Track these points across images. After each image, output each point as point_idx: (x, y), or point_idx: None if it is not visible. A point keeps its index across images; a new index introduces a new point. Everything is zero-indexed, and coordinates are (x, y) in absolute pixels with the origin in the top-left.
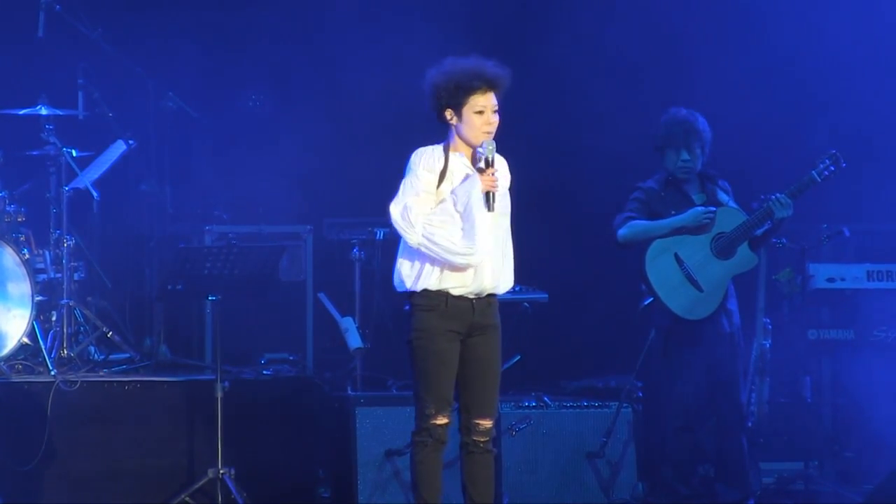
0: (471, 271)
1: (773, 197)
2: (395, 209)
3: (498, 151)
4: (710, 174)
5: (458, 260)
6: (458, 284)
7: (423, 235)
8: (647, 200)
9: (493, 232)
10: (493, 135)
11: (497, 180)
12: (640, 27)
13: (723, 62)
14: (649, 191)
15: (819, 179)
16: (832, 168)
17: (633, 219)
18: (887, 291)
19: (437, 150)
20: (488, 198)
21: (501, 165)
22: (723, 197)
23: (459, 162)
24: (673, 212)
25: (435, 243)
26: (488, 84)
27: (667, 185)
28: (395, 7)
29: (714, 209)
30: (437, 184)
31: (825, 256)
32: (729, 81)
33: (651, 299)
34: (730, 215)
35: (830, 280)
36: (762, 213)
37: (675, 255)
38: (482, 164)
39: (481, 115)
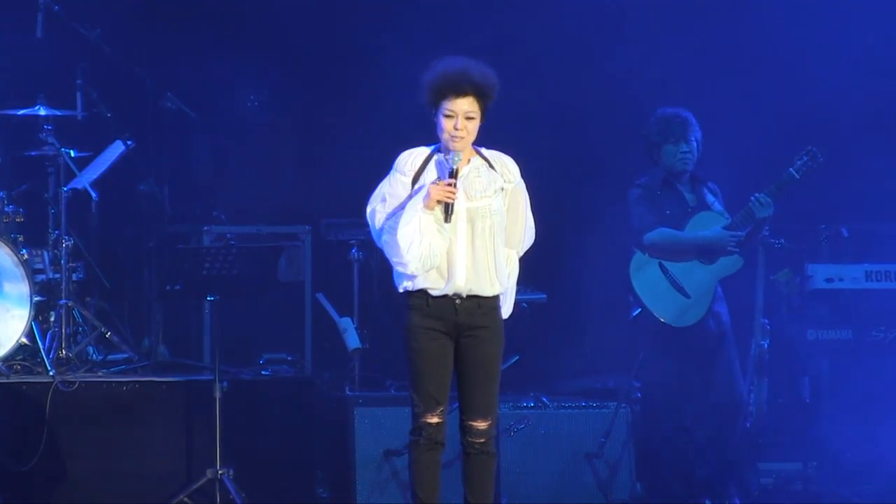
0: (442, 272)
1: (753, 197)
2: (368, 208)
3: (502, 147)
4: (699, 176)
5: (398, 269)
6: (432, 285)
7: (382, 238)
8: (648, 198)
9: (468, 234)
10: (464, 140)
11: (454, 193)
12: (634, 28)
13: (715, 60)
14: (647, 188)
15: (798, 176)
16: (809, 164)
17: (660, 224)
18: (886, 292)
19: (421, 151)
20: (447, 208)
21: (501, 164)
22: (709, 198)
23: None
24: (668, 212)
25: (386, 244)
26: (454, 89)
27: (663, 184)
28: (396, 6)
29: (741, 235)
30: (411, 186)
31: (824, 257)
32: (720, 79)
33: (640, 309)
34: (709, 220)
35: (829, 280)
36: (743, 216)
37: (660, 263)
38: (444, 175)
39: (450, 119)
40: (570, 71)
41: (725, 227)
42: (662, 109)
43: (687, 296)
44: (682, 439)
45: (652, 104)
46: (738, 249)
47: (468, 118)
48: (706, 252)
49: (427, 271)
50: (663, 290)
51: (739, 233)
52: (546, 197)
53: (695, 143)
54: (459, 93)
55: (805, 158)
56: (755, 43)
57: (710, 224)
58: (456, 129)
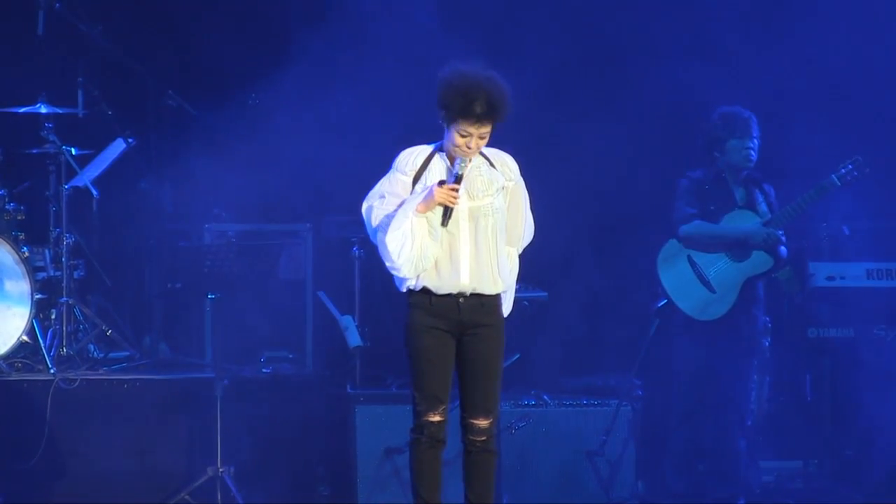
0: (446, 270)
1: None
2: (364, 205)
3: (498, 147)
4: (755, 176)
5: (391, 272)
6: (435, 284)
7: (377, 237)
8: (694, 191)
9: (471, 233)
10: (469, 155)
11: (456, 199)
12: (651, 25)
13: (718, 60)
14: (696, 181)
15: (839, 183)
16: (854, 173)
17: (698, 217)
18: (887, 290)
19: (422, 150)
20: (445, 212)
21: (501, 162)
22: (758, 198)
23: (442, 164)
24: (712, 207)
25: (380, 243)
26: (477, 119)
27: (714, 179)
28: (397, 5)
29: (780, 233)
30: (411, 186)
31: (825, 255)
32: (722, 80)
33: (665, 301)
34: (746, 217)
35: (830, 278)
36: (781, 216)
37: (688, 256)
38: (451, 179)
39: (463, 138)
40: (571, 68)
41: (764, 224)
42: (725, 107)
43: (712, 290)
44: (684, 437)
45: (667, 103)
46: (766, 246)
47: (482, 138)
48: (739, 245)
49: (418, 273)
50: (689, 283)
51: (777, 231)
52: (548, 194)
53: (758, 143)
54: (480, 120)
55: (850, 167)
56: (763, 39)
57: (744, 221)
58: (468, 147)
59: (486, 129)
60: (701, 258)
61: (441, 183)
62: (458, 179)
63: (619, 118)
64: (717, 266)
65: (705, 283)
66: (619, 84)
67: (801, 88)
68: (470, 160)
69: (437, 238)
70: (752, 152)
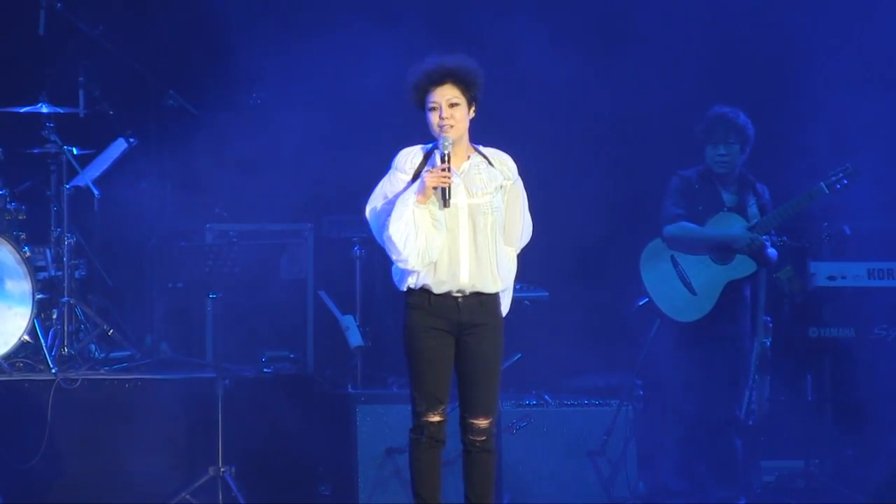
0: (445, 268)
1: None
2: (368, 207)
3: (498, 148)
4: (748, 178)
5: (399, 265)
6: (435, 283)
7: (383, 234)
8: (683, 190)
9: (471, 230)
10: (453, 128)
11: (448, 177)
12: (642, 26)
13: (716, 63)
14: (686, 180)
15: (827, 192)
16: (844, 181)
17: (684, 218)
18: (888, 289)
19: (419, 150)
20: (443, 194)
21: (500, 161)
22: (749, 200)
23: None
24: (700, 208)
25: (387, 240)
26: (431, 79)
27: (704, 179)
28: (398, 6)
29: (765, 239)
30: (412, 184)
31: (826, 254)
32: (724, 80)
33: (647, 299)
34: (731, 221)
35: (831, 278)
36: (767, 221)
37: (672, 256)
38: (437, 160)
39: (434, 110)
40: (573, 68)
41: (749, 229)
42: (719, 107)
43: (693, 292)
44: (683, 437)
45: (668, 103)
46: (749, 251)
47: (452, 105)
48: (723, 249)
49: (426, 266)
50: (670, 283)
51: (762, 237)
52: (549, 193)
53: (737, 147)
54: (437, 81)
55: (840, 175)
56: (761, 39)
57: (730, 224)
58: (442, 118)
59: (452, 93)
60: (684, 259)
61: (428, 168)
62: (443, 159)
63: (620, 116)
64: (700, 268)
65: (686, 284)
66: (622, 82)
67: (803, 86)
68: (451, 138)
69: (442, 228)
70: (725, 159)
